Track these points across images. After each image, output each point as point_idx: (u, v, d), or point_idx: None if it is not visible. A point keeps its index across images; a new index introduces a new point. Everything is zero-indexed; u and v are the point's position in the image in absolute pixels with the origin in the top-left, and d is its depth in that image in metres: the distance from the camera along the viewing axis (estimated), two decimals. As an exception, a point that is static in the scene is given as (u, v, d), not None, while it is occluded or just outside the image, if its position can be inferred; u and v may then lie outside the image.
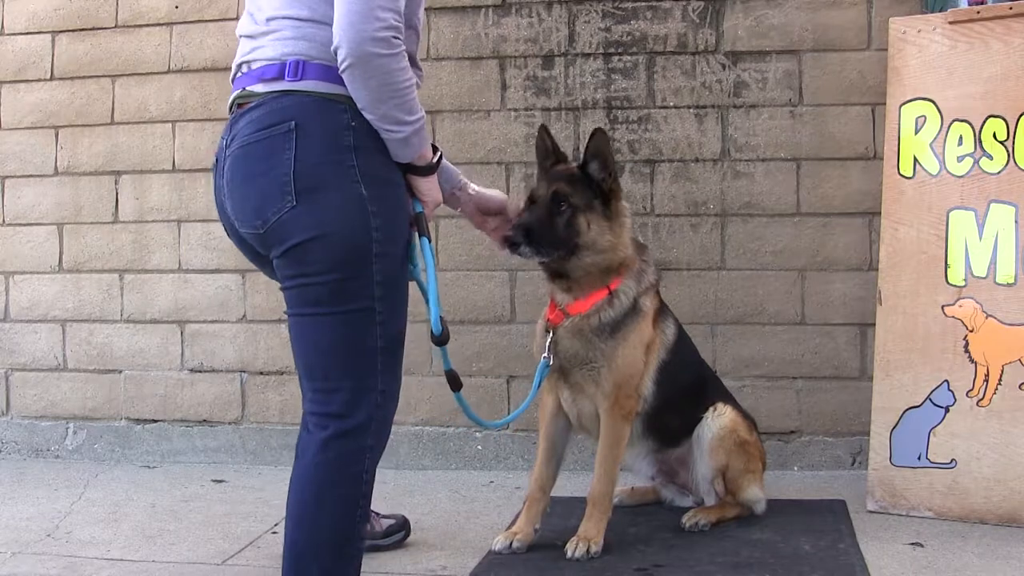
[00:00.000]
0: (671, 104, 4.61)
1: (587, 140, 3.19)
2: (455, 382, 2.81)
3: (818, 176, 4.51)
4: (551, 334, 3.14)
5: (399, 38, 2.27)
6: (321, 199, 2.30)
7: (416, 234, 2.52)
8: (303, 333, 2.43)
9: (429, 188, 2.51)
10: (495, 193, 3.03)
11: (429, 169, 2.47)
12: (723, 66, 4.58)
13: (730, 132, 4.57)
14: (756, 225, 4.57)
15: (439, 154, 2.52)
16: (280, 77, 2.38)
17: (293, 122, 2.31)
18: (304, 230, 2.32)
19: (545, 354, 3.14)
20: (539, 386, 3.21)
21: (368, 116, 2.32)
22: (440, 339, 2.50)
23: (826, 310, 4.51)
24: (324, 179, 2.30)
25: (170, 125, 4.93)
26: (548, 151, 3.20)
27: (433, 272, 2.47)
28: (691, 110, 4.59)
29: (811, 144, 4.51)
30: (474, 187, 2.97)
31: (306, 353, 2.44)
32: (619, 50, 4.62)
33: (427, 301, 2.52)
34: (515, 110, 4.70)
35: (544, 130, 3.20)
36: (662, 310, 3.38)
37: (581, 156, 3.24)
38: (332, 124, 2.33)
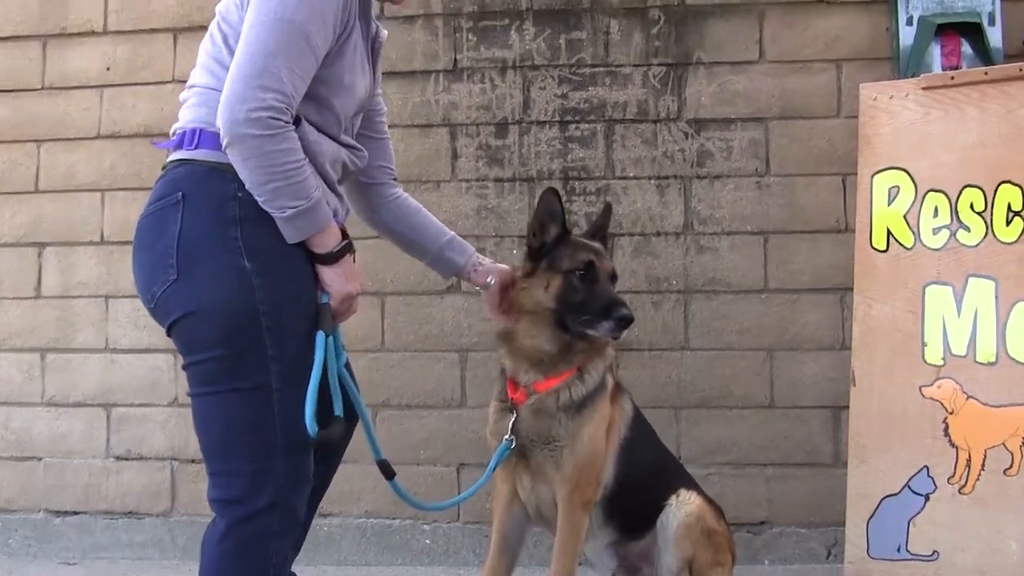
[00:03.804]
0: (631, 175, 4.50)
1: (603, 214, 3.17)
2: (387, 471, 2.73)
3: (787, 250, 4.42)
4: (514, 414, 2.97)
5: (279, 119, 2.20)
6: (198, 272, 2.24)
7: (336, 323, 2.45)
8: (200, 414, 2.35)
9: (333, 278, 2.38)
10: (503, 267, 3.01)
11: (330, 257, 2.37)
12: (686, 134, 4.48)
13: (693, 204, 4.46)
14: (721, 302, 4.44)
15: (345, 242, 2.40)
16: (180, 146, 2.37)
17: (181, 192, 2.29)
18: (182, 305, 2.27)
19: (507, 435, 2.95)
20: (494, 469, 3.05)
21: (254, 195, 2.27)
22: (317, 440, 2.32)
23: (797, 392, 4.40)
24: (203, 251, 2.25)
25: (99, 194, 4.79)
26: (558, 215, 3.02)
27: (319, 369, 2.30)
28: (652, 181, 4.49)
29: (779, 216, 4.43)
30: (489, 262, 2.97)
31: (204, 435, 2.36)
32: (576, 117, 4.52)
33: (304, 398, 2.31)
34: (466, 180, 4.58)
35: (555, 192, 3.03)
36: (618, 386, 3.25)
37: (588, 228, 3.21)
38: (217, 194, 2.28)
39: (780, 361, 4.42)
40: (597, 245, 3.06)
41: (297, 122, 2.27)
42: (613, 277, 3.00)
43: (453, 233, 2.95)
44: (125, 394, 4.70)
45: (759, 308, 4.43)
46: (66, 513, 4.73)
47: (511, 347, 3.01)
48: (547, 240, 2.98)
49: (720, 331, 4.44)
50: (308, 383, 2.29)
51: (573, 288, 2.90)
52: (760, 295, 4.44)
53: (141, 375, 4.69)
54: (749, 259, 4.45)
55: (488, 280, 2.96)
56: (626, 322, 2.82)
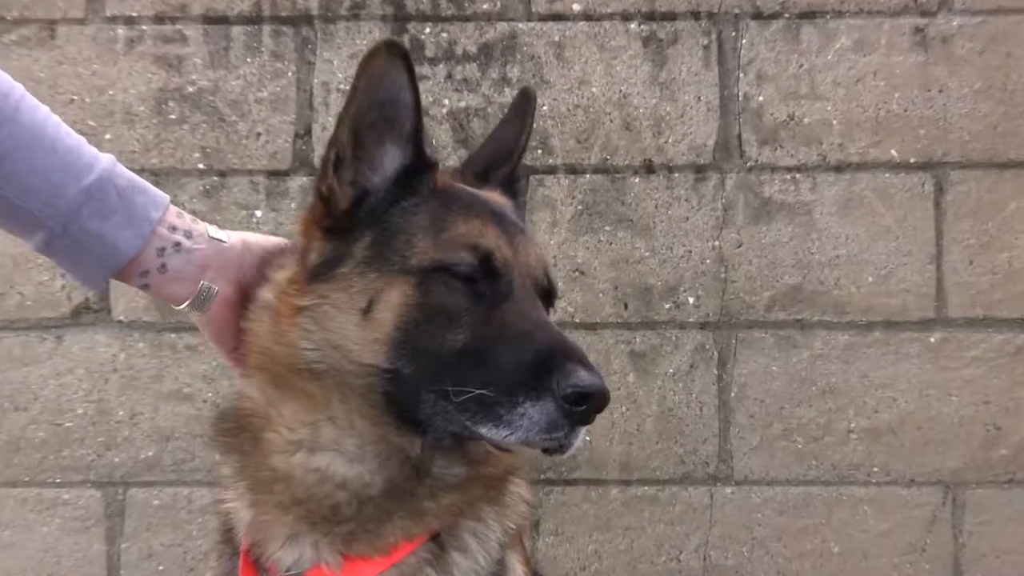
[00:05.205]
0: (575, 7, 3.24)
1: (511, 116, 2.24)
2: None
3: (993, 213, 3.24)
4: None
5: None
6: None
7: None
8: None
9: None
10: (268, 241, 2.11)
11: None
12: None
13: (741, 88, 3.17)
14: (818, 355, 3.18)
15: None
16: None
17: None
18: None
19: None
20: None
21: None
22: None
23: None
24: None
25: None
26: (406, 111, 1.95)
27: None
28: (632, 27, 3.20)
29: (977, 124, 3.26)
30: (222, 234, 2.06)
31: None
32: None
33: None
34: (129, 21, 3.24)
35: (399, 53, 1.88)
36: (536, 583, 2.71)
37: (476, 154, 2.26)
38: None
39: (978, 510, 3.25)
40: (499, 199, 2.14)
41: None
42: (547, 291, 2.08)
43: (109, 161, 1.95)
44: None
45: (920, 367, 3.24)
46: None
47: (258, 470, 2.01)
48: (372, 183, 2.02)
49: (817, 429, 3.21)
50: None
51: (443, 313, 1.95)
52: (925, 332, 3.23)
53: None
54: (895, 236, 3.23)
55: (205, 288, 2.04)
56: (592, 404, 1.83)
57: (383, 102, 1.97)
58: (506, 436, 1.80)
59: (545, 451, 1.80)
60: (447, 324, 1.91)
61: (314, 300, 1.95)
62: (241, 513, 1.96)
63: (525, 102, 2.18)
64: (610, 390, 1.76)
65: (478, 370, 1.88)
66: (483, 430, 1.81)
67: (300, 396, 1.96)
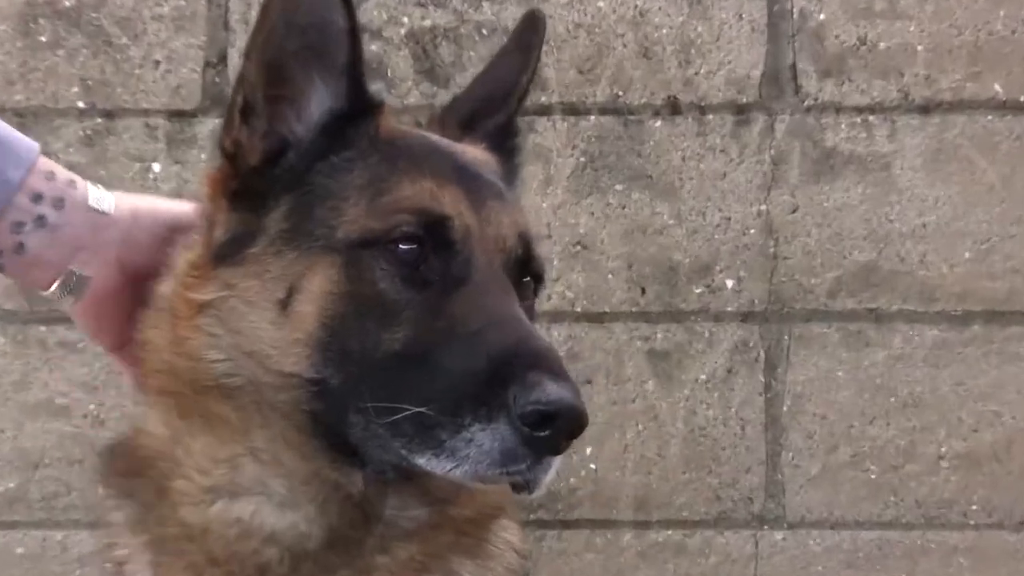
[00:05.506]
0: None
1: (516, 42, 1.87)
2: None
3: None
4: None
5: None
6: None
7: None
8: None
9: None
10: (170, 208, 1.81)
11: None
12: None
13: (797, 2, 2.79)
14: (897, 350, 2.73)
15: None
16: None
17: None
18: None
19: None
20: None
21: None
22: None
23: None
24: None
25: None
26: (339, 40, 1.65)
27: None
28: None
29: None
30: (107, 201, 1.72)
31: None
32: None
33: None
34: None
35: None
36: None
37: (459, 100, 1.85)
38: None
39: None
40: (475, 154, 1.84)
41: None
42: (523, 264, 1.76)
43: None
44: None
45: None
46: None
47: (162, 525, 1.73)
48: (293, 133, 1.74)
49: (897, 454, 2.74)
50: None
51: (376, 304, 1.70)
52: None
53: None
54: (999, 198, 2.78)
55: (73, 275, 1.78)
56: (559, 427, 1.55)
57: (305, 26, 1.67)
58: (450, 469, 1.50)
59: (513, 488, 1.50)
60: (382, 318, 1.62)
61: (219, 292, 1.64)
62: (138, 572, 1.62)
63: (530, 30, 1.85)
64: (584, 410, 1.46)
65: (418, 380, 1.59)
66: (421, 460, 1.51)
67: (213, 424, 1.64)
